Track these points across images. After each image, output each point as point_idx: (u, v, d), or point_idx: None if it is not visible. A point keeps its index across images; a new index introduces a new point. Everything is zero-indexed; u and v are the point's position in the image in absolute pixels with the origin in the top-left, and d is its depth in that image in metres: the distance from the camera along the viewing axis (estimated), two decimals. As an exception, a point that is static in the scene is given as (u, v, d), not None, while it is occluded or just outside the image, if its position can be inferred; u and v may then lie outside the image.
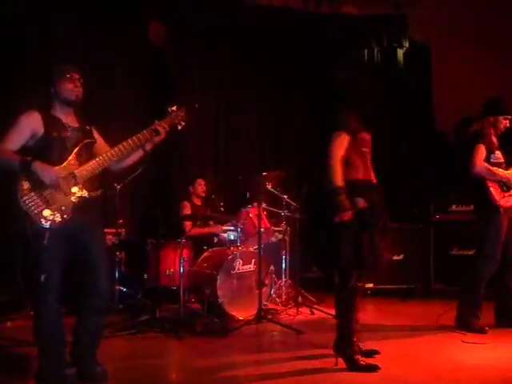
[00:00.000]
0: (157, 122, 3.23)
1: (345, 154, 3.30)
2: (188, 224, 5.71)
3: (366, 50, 7.85)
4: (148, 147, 3.27)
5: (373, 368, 3.26)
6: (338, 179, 3.24)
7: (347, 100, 3.46)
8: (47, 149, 3.00)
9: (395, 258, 6.27)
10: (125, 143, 3.12)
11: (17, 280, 4.84)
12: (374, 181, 3.47)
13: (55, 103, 3.13)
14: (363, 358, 3.34)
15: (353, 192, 3.25)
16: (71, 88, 3.10)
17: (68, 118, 3.13)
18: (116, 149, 3.11)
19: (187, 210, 5.92)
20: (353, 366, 3.29)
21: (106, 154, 3.09)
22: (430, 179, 7.11)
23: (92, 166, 3.04)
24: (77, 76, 3.13)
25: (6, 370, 3.35)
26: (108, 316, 3.89)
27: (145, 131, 3.19)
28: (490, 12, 6.80)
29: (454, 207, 6.43)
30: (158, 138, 3.25)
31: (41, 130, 3.01)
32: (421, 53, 7.66)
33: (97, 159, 3.06)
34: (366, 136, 3.44)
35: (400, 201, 7.15)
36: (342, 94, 3.52)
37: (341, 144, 3.29)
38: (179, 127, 3.32)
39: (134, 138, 3.15)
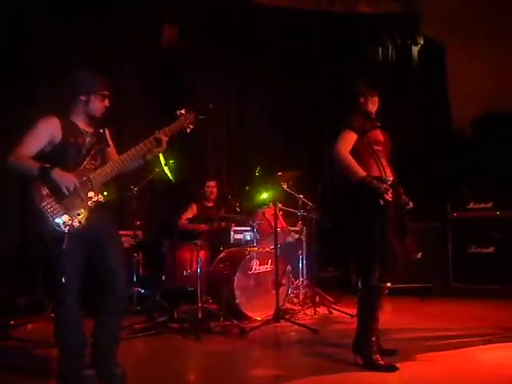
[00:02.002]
0: (157, 132, 3.17)
1: (354, 152, 3.35)
2: (183, 219, 5.78)
3: (380, 48, 7.80)
4: (148, 157, 3.21)
5: (391, 368, 3.24)
6: (359, 170, 3.30)
7: (355, 102, 3.51)
8: (64, 154, 3.02)
9: (413, 256, 6.23)
10: (127, 153, 3.10)
11: (37, 282, 4.90)
12: (395, 177, 3.46)
13: (77, 110, 3.12)
14: (382, 358, 3.32)
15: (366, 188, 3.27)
16: (100, 107, 3.13)
17: (85, 124, 3.15)
18: (123, 156, 3.10)
19: (189, 213, 5.97)
20: (371, 366, 3.28)
21: (118, 158, 3.10)
22: (448, 176, 7.04)
23: (107, 170, 3.06)
24: (108, 94, 3.15)
25: (26, 371, 3.39)
26: (126, 317, 3.93)
27: (146, 141, 3.14)
28: (505, 9, 6.72)
29: (472, 204, 6.37)
30: (158, 149, 3.18)
31: (59, 137, 3.02)
32: (435, 50, 7.60)
33: (111, 163, 3.08)
34: (379, 135, 3.46)
35: (417, 199, 7.10)
36: (352, 98, 3.56)
37: (346, 140, 3.36)
38: (188, 130, 3.31)
39: (135, 148, 3.11)
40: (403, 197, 3.49)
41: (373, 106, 3.51)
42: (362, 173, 3.29)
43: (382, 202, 3.23)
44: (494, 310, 5.32)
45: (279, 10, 6.97)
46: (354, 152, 3.37)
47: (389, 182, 3.29)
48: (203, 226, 5.74)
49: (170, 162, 4.17)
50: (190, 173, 6.92)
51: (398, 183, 3.49)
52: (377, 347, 3.37)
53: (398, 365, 3.27)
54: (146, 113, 6.73)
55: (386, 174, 3.40)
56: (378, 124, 3.50)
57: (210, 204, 6.22)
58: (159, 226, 6.41)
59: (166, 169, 4.32)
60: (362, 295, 3.42)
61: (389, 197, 3.25)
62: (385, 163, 3.45)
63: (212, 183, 6.25)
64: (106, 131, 3.28)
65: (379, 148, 3.45)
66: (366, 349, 3.32)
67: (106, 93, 3.13)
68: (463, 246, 6.27)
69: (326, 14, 7.14)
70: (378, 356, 3.30)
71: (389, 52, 7.80)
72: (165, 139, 3.17)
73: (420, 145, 7.36)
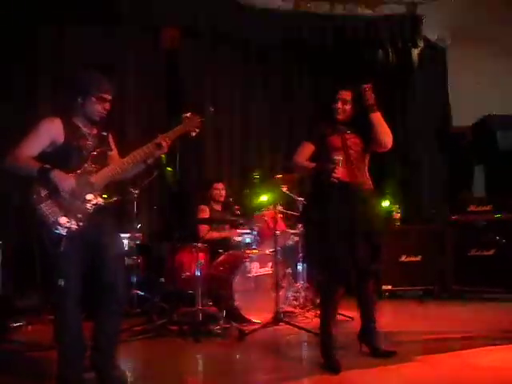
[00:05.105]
0: (159, 135, 3.17)
1: (317, 160, 3.54)
2: (203, 228, 5.68)
3: (380, 51, 7.79)
4: (149, 161, 3.22)
5: (334, 369, 3.27)
6: (309, 164, 3.55)
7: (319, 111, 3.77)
8: (65, 157, 2.99)
9: (413, 259, 6.24)
10: (130, 156, 3.10)
11: (36, 284, 4.90)
12: (357, 179, 3.48)
13: (77, 111, 3.08)
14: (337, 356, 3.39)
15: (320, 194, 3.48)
16: (99, 110, 3.06)
17: (87, 126, 3.12)
18: (124, 159, 3.11)
19: (204, 214, 5.89)
20: (323, 357, 3.40)
21: (119, 161, 3.10)
22: (447, 179, 7.04)
23: (107, 172, 3.06)
24: (109, 97, 3.08)
25: (25, 374, 3.39)
26: (126, 320, 3.92)
27: (148, 145, 3.13)
28: (506, 10, 6.73)
29: (472, 207, 6.36)
30: (159, 152, 3.19)
31: (61, 139, 3.00)
32: (436, 53, 7.59)
33: (112, 166, 3.08)
34: (335, 141, 3.53)
35: (417, 202, 7.11)
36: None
37: (300, 151, 3.64)
38: (193, 134, 3.32)
39: (136, 151, 3.11)
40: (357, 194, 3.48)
41: (340, 109, 3.55)
42: (312, 164, 3.51)
43: (334, 180, 3.32)
44: (494, 312, 5.31)
45: (280, 12, 6.98)
46: (318, 160, 3.54)
47: (336, 161, 3.36)
48: (227, 232, 5.76)
49: (168, 169, 4.19)
50: (190, 175, 6.95)
51: (372, 189, 3.56)
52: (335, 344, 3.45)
53: (397, 366, 3.28)
54: (149, 114, 6.71)
55: (346, 176, 3.43)
56: (342, 128, 3.55)
57: (218, 207, 6.05)
58: (160, 228, 6.41)
59: (167, 170, 4.34)
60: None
61: (336, 176, 3.33)
62: (346, 165, 3.46)
63: (220, 185, 6.04)
64: (110, 135, 3.26)
65: (338, 153, 3.47)
66: (325, 340, 3.44)
67: (104, 96, 3.06)
68: (463, 249, 6.26)
69: (326, 16, 7.14)
70: (334, 352, 3.39)
71: (389, 54, 7.79)
72: (166, 143, 3.16)
73: (420, 147, 7.35)
